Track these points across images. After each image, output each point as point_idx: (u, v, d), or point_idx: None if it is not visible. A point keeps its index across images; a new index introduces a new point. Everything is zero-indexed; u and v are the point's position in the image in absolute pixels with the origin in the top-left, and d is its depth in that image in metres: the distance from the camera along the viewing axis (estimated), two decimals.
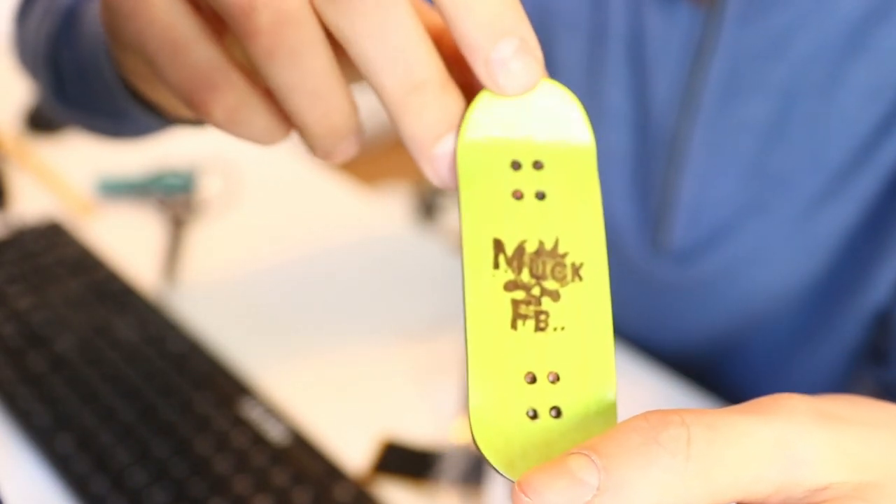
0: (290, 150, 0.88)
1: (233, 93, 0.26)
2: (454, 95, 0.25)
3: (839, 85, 0.50)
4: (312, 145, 0.27)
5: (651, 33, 0.54)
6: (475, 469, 0.54)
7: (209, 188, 0.81)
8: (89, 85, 0.45)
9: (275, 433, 0.56)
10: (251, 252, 0.74)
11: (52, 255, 0.70)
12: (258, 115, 0.27)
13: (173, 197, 0.78)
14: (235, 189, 0.81)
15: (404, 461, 0.55)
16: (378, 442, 0.56)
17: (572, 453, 0.19)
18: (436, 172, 0.25)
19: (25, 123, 0.85)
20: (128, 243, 0.73)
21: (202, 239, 0.75)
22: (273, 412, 0.57)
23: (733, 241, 0.57)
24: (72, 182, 0.79)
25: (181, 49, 0.25)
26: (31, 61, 0.53)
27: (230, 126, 0.27)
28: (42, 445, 0.54)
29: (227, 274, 0.71)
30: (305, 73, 0.24)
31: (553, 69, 0.58)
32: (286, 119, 0.27)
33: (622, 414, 0.24)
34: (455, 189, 0.25)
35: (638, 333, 0.66)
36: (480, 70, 0.24)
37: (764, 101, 0.52)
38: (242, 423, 0.56)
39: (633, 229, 0.60)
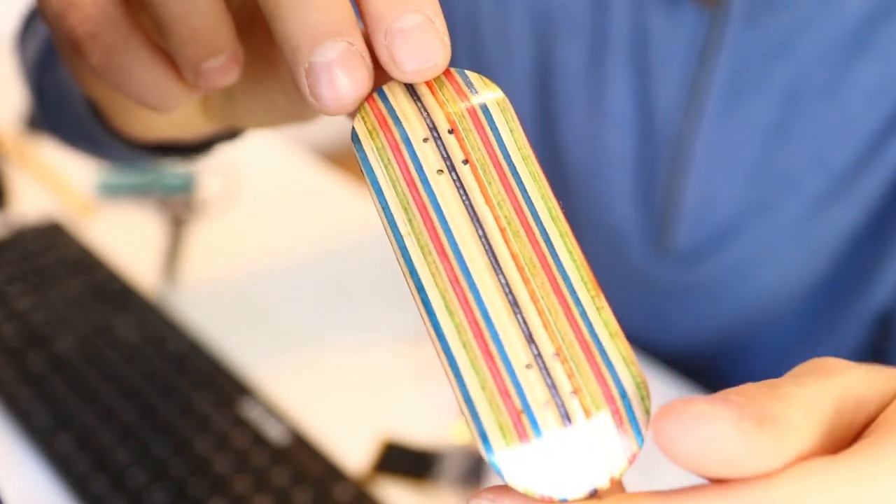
0: (290, 149, 0.88)
1: (111, 32, 0.25)
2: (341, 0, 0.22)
3: (844, 85, 0.50)
4: (180, 58, 0.25)
5: (655, 35, 0.53)
6: (475, 469, 0.54)
7: (209, 188, 0.81)
8: (67, 109, 0.45)
9: (275, 433, 0.56)
10: (251, 252, 0.74)
11: (52, 255, 0.70)
12: (140, 63, 0.26)
13: (173, 197, 0.78)
14: (235, 189, 0.81)
15: (404, 461, 0.55)
16: (378, 442, 0.56)
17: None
18: (310, 87, 0.21)
19: (25, 123, 0.85)
20: (128, 243, 0.73)
21: (202, 239, 0.75)
22: (273, 412, 0.57)
23: (737, 242, 0.57)
24: (72, 182, 0.79)
25: None
26: (25, 84, 0.53)
27: (109, 72, 0.26)
28: (42, 445, 0.54)
29: (227, 274, 0.71)
30: None
31: (554, 73, 0.58)
32: (180, 78, 0.26)
33: None
34: (338, 115, 0.22)
35: (641, 334, 0.66)
36: (378, 42, 0.22)
37: (768, 102, 0.52)
38: (242, 423, 0.56)
39: (637, 232, 0.60)
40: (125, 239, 0.74)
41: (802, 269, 0.57)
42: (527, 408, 0.19)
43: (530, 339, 0.19)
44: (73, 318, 0.64)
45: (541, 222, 0.21)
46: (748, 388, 0.18)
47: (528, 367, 0.19)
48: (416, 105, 0.22)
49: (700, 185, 0.56)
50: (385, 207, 0.21)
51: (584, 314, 0.20)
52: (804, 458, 0.18)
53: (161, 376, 0.59)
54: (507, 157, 0.21)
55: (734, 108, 0.53)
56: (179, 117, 0.35)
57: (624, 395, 0.19)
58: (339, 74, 0.21)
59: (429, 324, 0.20)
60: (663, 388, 0.61)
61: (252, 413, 0.57)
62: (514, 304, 0.20)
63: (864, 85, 0.50)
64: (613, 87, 0.56)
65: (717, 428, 0.17)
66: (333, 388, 0.61)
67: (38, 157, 0.82)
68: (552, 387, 0.19)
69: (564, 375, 0.19)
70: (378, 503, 0.52)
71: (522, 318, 0.20)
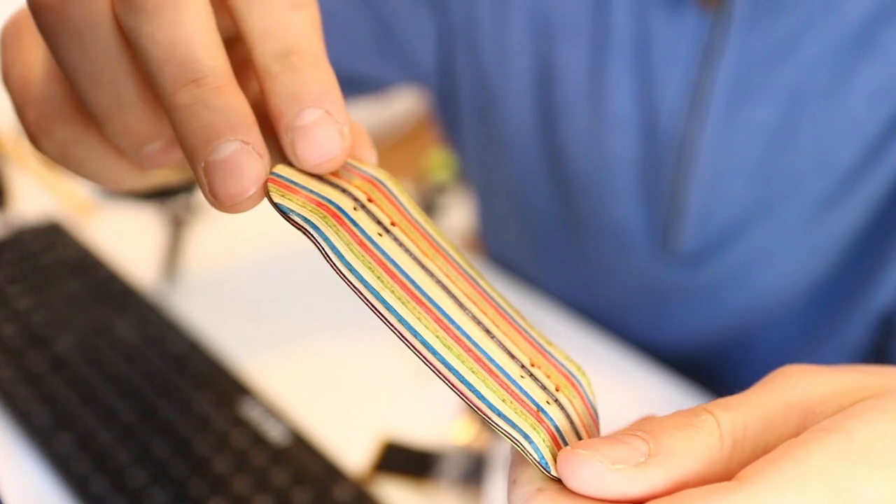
0: None
1: (64, 128, 0.26)
2: (234, 99, 0.22)
3: (846, 87, 0.50)
4: (120, 146, 0.26)
5: (657, 38, 0.53)
6: (475, 469, 0.54)
7: None
8: None
9: (275, 433, 0.56)
10: (251, 252, 0.74)
11: (52, 255, 0.70)
12: (93, 154, 0.26)
13: (173, 197, 0.78)
14: None
15: (404, 461, 0.55)
16: (378, 442, 0.56)
17: (621, 432, 0.21)
18: (208, 186, 0.22)
19: None
20: (128, 243, 0.73)
21: (202, 239, 0.75)
22: (273, 412, 0.57)
23: (741, 244, 0.57)
24: (72, 182, 0.79)
25: (29, 85, 0.26)
26: None
27: (66, 163, 0.26)
28: (42, 445, 0.54)
29: (227, 274, 0.71)
30: (87, 55, 0.23)
31: (555, 76, 0.58)
32: (137, 163, 0.27)
33: (631, 417, 0.24)
34: (236, 213, 0.22)
35: (644, 336, 0.66)
36: (282, 137, 0.23)
37: (771, 105, 0.52)
38: (242, 423, 0.56)
39: (641, 235, 0.60)
40: (125, 239, 0.74)
41: (805, 270, 0.57)
42: (540, 408, 0.22)
43: (512, 356, 0.23)
44: (73, 318, 0.64)
45: (461, 265, 0.24)
46: (663, 419, 0.21)
47: (521, 377, 0.22)
48: (323, 182, 0.23)
49: (704, 188, 0.56)
50: (352, 270, 0.21)
51: (526, 332, 0.24)
52: (707, 480, 0.20)
53: (161, 376, 0.59)
54: (413, 217, 0.24)
55: (737, 110, 0.53)
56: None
57: (579, 382, 0.24)
58: (231, 174, 0.21)
59: (436, 360, 0.21)
60: (666, 389, 0.61)
61: (252, 413, 0.57)
62: (487, 331, 0.23)
63: (866, 87, 0.50)
64: (615, 90, 0.56)
65: (596, 469, 0.20)
66: (333, 388, 0.61)
67: (38, 158, 0.82)
68: (544, 388, 0.22)
69: (545, 377, 0.23)
70: (378, 503, 0.52)
71: (498, 340, 0.23)
